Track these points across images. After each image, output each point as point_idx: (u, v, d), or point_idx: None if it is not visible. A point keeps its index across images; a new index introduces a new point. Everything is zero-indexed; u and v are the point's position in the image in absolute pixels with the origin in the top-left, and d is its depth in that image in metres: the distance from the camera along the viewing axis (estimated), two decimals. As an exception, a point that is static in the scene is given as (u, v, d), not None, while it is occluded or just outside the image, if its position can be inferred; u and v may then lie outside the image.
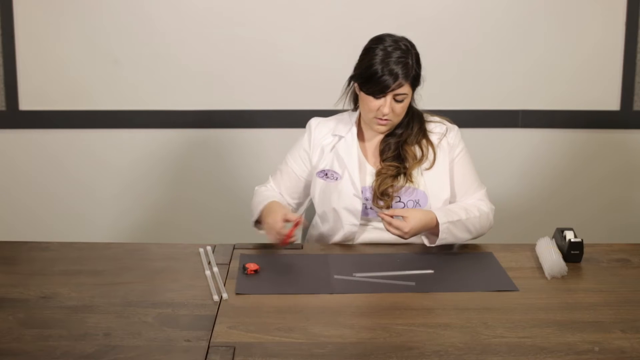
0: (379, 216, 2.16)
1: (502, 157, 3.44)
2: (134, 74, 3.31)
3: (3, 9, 3.23)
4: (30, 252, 2.19)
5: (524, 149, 3.45)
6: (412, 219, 2.10)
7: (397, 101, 2.17)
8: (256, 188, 2.40)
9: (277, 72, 3.32)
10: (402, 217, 2.11)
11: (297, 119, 3.25)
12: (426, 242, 2.19)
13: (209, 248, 2.17)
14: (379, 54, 2.15)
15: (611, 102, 3.41)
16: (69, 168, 3.40)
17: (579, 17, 3.33)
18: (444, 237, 2.15)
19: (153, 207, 3.45)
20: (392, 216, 2.12)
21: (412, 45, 2.20)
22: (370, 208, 2.26)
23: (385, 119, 2.19)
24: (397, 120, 2.22)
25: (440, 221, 2.13)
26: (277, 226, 2.10)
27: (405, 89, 2.15)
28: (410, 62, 2.15)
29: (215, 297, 1.86)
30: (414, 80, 2.18)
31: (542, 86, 3.39)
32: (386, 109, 2.16)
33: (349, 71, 2.27)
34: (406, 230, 2.10)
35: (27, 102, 3.32)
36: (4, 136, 3.35)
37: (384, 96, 2.16)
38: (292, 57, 3.31)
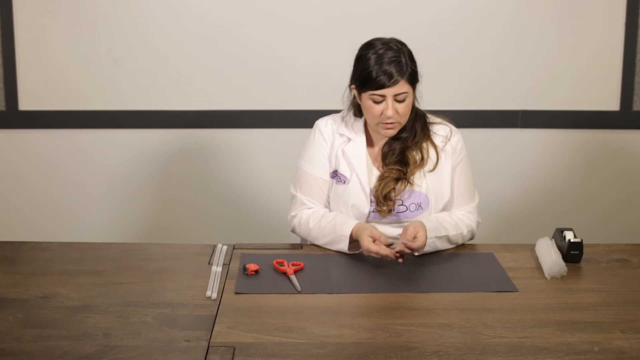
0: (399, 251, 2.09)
1: (501, 158, 3.43)
2: (133, 74, 3.30)
3: (3, 10, 3.22)
4: (30, 252, 2.19)
5: (524, 149, 3.44)
6: (421, 238, 2.09)
7: (398, 101, 2.15)
8: (305, 215, 2.27)
9: (274, 73, 3.31)
10: (414, 237, 2.09)
11: (294, 119, 3.26)
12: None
13: (224, 247, 2.18)
14: (372, 58, 2.14)
15: (611, 102, 3.41)
16: (68, 168, 3.40)
17: (579, 17, 3.33)
18: (427, 250, 2.14)
19: (153, 207, 3.45)
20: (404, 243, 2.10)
21: (403, 44, 2.19)
22: (373, 211, 2.25)
23: (391, 122, 2.17)
24: (404, 120, 2.20)
25: (427, 235, 2.11)
26: (372, 249, 2.08)
27: (403, 87, 2.14)
28: (404, 60, 2.14)
29: (208, 293, 1.87)
30: (411, 78, 2.16)
31: (542, 86, 3.39)
32: (389, 111, 2.15)
33: (347, 71, 2.25)
34: (418, 247, 2.09)
35: (26, 102, 3.32)
36: (3, 136, 3.35)
37: (383, 99, 2.15)
38: (289, 58, 3.30)
